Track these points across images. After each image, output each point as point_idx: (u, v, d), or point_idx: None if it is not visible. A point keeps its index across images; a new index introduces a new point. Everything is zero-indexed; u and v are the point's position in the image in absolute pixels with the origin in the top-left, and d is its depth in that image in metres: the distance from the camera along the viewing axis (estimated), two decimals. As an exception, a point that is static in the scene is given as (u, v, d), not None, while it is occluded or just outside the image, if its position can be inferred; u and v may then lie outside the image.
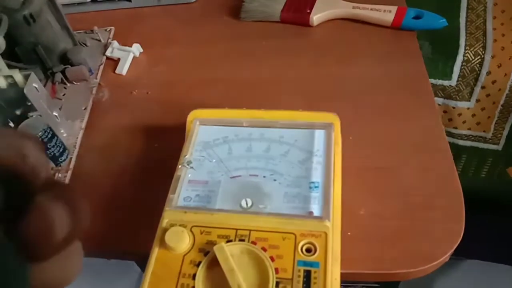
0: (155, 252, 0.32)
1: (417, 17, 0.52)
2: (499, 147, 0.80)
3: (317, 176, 0.35)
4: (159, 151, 0.45)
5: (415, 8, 0.53)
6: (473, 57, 0.74)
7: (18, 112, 0.46)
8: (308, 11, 0.55)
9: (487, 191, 0.83)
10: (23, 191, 0.16)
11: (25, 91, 0.40)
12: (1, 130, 0.17)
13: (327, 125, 0.38)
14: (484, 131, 0.79)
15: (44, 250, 0.16)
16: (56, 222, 0.16)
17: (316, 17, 0.55)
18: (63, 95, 0.52)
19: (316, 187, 0.34)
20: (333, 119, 0.38)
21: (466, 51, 0.73)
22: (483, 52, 0.73)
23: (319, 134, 0.38)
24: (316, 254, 0.30)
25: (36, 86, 0.42)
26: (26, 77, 0.43)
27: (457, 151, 0.81)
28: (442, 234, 0.37)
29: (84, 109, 0.50)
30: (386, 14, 0.53)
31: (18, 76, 0.41)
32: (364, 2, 0.55)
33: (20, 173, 0.16)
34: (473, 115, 0.78)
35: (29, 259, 0.16)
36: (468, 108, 0.77)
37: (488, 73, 0.73)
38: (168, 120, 0.48)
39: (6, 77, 0.41)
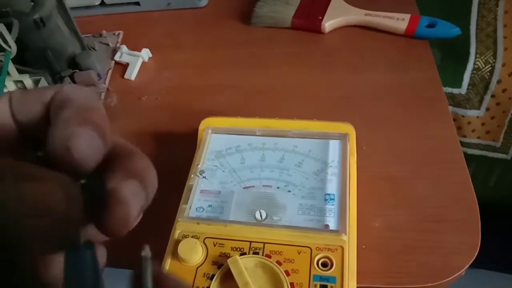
0: (168, 263, 0.31)
1: (430, 26, 0.52)
2: (508, 157, 0.79)
3: (332, 188, 0.34)
4: (168, 158, 0.45)
5: (429, 17, 0.52)
6: (483, 65, 0.73)
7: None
8: (320, 17, 0.55)
9: (496, 200, 0.82)
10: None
11: (35, 96, 0.39)
12: (61, 112, 0.17)
13: (342, 135, 0.37)
14: (493, 140, 0.78)
15: (123, 232, 0.17)
16: (133, 205, 0.17)
17: (328, 24, 0.54)
18: (72, 99, 0.51)
19: (331, 199, 0.34)
20: (349, 129, 0.38)
21: (477, 59, 0.73)
22: (494, 61, 0.72)
23: (334, 145, 0.37)
24: (332, 269, 0.30)
25: (46, 91, 0.42)
26: (36, 82, 0.42)
27: (465, 160, 0.80)
28: (458, 247, 0.36)
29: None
30: (399, 22, 0.52)
31: (28, 81, 0.41)
32: (377, 10, 0.54)
33: (65, 165, 0.16)
34: (483, 124, 0.77)
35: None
36: (477, 117, 0.76)
37: (499, 81, 0.72)
38: (177, 127, 0.47)
39: (16, 82, 0.41)
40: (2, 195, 0.13)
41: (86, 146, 0.16)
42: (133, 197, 0.17)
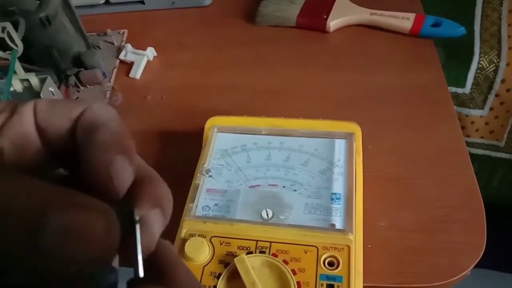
0: (174, 262, 0.31)
1: (435, 25, 0.52)
2: (511, 156, 0.79)
3: (338, 187, 0.34)
4: (174, 157, 0.45)
5: (434, 16, 0.52)
6: (487, 65, 0.73)
7: (32, 115, 0.46)
8: (325, 16, 0.54)
9: (499, 200, 0.82)
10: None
11: (41, 95, 0.40)
12: (98, 136, 0.17)
13: (348, 134, 0.37)
14: (497, 140, 0.78)
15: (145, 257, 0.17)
16: (157, 234, 0.17)
17: (332, 23, 0.54)
18: (76, 98, 0.51)
19: (338, 198, 0.34)
20: (354, 128, 0.38)
21: (481, 59, 0.73)
22: (498, 60, 0.72)
23: (340, 144, 0.37)
24: (339, 268, 0.30)
25: (52, 90, 0.42)
26: (42, 81, 0.42)
27: (469, 159, 0.80)
28: (463, 247, 0.36)
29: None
30: (404, 21, 0.52)
31: (34, 79, 0.41)
32: (382, 9, 0.54)
33: (104, 191, 0.16)
34: (486, 124, 0.77)
35: None
36: (481, 116, 0.76)
37: (503, 81, 0.72)
38: (182, 126, 0.47)
39: (22, 80, 0.41)
40: (48, 224, 0.13)
41: (123, 174, 0.16)
42: (157, 225, 0.17)
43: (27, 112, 0.17)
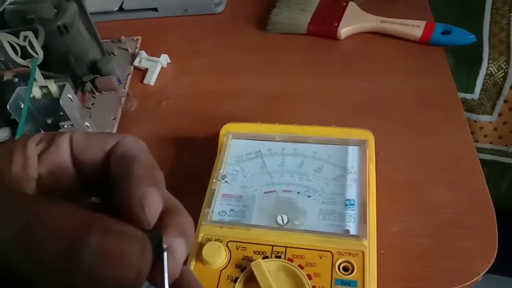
0: (192, 266, 0.32)
1: (445, 33, 0.52)
2: (520, 162, 0.79)
3: (352, 193, 0.35)
4: (188, 163, 0.46)
5: (444, 24, 0.53)
6: (496, 71, 0.73)
7: (49, 121, 0.47)
8: (336, 24, 0.55)
9: (507, 205, 0.82)
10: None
11: (61, 101, 0.41)
12: (133, 169, 0.18)
13: (361, 142, 0.38)
14: (505, 145, 0.78)
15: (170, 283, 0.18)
16: (182, 261, 0.18)
17: (343, 31, 0.55)
18: (92, 104, 0.52)
19: (351, 204, 0.34)
20: (367, 135, 0.38)
21: (490, 65, 0.73)
22: (507, 66, 0.73)
23: (353, 151, 0.38)
24: (354, 273, 0.31)
25: (71, 96, 0.43)
26: (60, 88, 0.43)
27: (477, 164, 0.80)
28: (475, 253, 0.36)
29: (114, 118, 0.50)
30: (415, 29, 0.53)
31: (53, 86, 0.42)
32: (392, 17, 0.55)
33: (137, 221, 0.17)
34: (495, 129, 0.77)
35: None
36: (490, 122, 0.77)
37: (512, 87, 0.73)
38: (196, 132, 0.48)
39: (42, 87, 0.42)
40: (87, 245, 0.14)
41: (154, 206, 0.18)
42: (182, 253, 0.18)
43: (63, 142, 0.19)
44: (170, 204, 0.20)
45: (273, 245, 0.33)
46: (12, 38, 0.43)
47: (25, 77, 0.43)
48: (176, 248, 0.18)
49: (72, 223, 0.15)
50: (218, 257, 0.32)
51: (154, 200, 0.18)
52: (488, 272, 0.36)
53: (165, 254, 0.17)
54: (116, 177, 0.18)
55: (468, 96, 0.75)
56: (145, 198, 0.17)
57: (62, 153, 0.19)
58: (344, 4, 0.58)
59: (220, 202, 0.36)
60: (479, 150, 0.80)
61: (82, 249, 0.14)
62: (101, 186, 0.19)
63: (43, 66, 0.49)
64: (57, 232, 0.14)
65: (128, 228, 0.16)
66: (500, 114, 0.76)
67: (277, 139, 0.40)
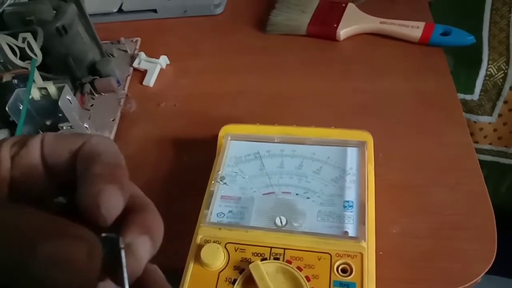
0: (190, 268, 0.32)
1: (445, 34, 0.52)
2: (520, 163, 0.79)
3: (351, 195, 0.35)
4: (187, 164, 0.46)
5: (443, 25, 0.52)
6: (496, 72, 0.73)
7: (48, 123, 0.47)
8: (335, 25, 0.55)
9: (507, 206, 0.82)
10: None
11: (59, 103, 0.41)
12: (92, 168, 0.18)
13: (360, 143, 0.38)
14: (505, 146, 0.78)
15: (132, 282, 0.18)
16: (144, 260, 0.18)
17: (343, 32, 0.55)
18: (91, 105, 0.52)
19: (350, 206, 0.34)
20: (366, 137, 0.38)
21: (489, 66, 0.73)
22: (506, 67, 0.73)
23: (352, 152, 0.38)
24: (352, 275, 0.30)
25: (70, 98, 0.43)
26: (59, 89, 0.43)
27: (477, 165, 0.80)
28: (474, 254, 0.36)
29: (113, 120, 0.50)
30: (414, 30, 0.53)
31: (52, 88, 0.42)
32: (391, 18, 0.55)
33: (92, 218, 0.17)
34: (495, 130, 0.77)
35: None
36: (489, 123, 0.76)
37: (511, 88, 0.73)
38: (195, 133, 0.48)
39: (41, 89, 0.42)
40: (36, 253, 0.14)
41: (112, 204, 0.17)
42: (145, 252, 0.18)
43: (35, 145, 0.19)
44: (136, 202, 0.19)
45: (271, 247, 0.32)
46: (11, 40, 0.43)
47: (24, 79, 0.43)
48: (136, 247, 0.18)
49: (25, 233, 0.15)
50: (216, 259, 0.32)
51: (111, 197, 0.17)
52: (488, 273, 0.36)
53: (122, 253, 0.17)
54: (78, 176, 0.19)
55: (468, 97, 0.75)
56: (100, 196, 0.17)
57: (33, 155, 0.19)
58: (343, 5, 0.58)
59: (218, 204, 0.36)
60: (479, 151, 0.79)
61: (32, 258, 0.14)
62: (72, 187, 0.19)
63: (42, 68, 0.49)
64: (11, 240, 0.15)
65: (77, 230, 0.16)
66: (500, 115, 0.76)
67: (276, 141, 0.40)
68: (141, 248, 0.18)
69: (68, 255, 0.15)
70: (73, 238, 0.15)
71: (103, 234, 0.17)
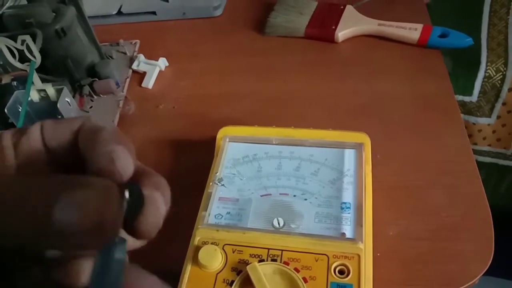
0: (188, 269, 0.32)
1: (443, 35, 0.52)
2: (519, 164, 0.79)
3: (348, 196, 0.35)
4: (185, 166, 0.46)
5: (441, 27, 0.53)
6: (494, 73, 0.73)
7: (47, 124, 0.47)
8: (333, 27, 0.55)
9: (506, 207, 0.82)
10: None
11: (58, 105, 0.41)
12: (99, 136, 0.19)
13: (357, 145, 0.38)
14: (504, 148, 0.78)
15: (154, 234, 0.19)
16: (163, 210, 0.19)
17: (341, 34, 0.55)
18: (90, 107, 0.53)
19: (347, 207, 0.34)
20: (364, 138, 0.38)
21: (488, 67, 0.73)
22: (505, 69, 0.73)
23: (350, 154, 0.38)
24: (349, 276, 0.31)
25: (68, 100, 0.43)
26: (58, 91, 0.43)
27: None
28: (472, 255, 0.36)
29: (112, 122, 0.50)
30: (412, 32, 0.53)
31: (51, 90, 0.42)
32: (390, 20, 0.55)
33: (109, 175, 0.18)
34: (494, 132, 0.77)
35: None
36: (488, 124, 0.77)
37: (510, 89, 0.73)
38: (194, 135, 0.48)
39: (39, 91, 0.42)
40: (57, 202, 0.15)
41: (125, 159, 0.18)
42: (162, 206, 0.19)
43: (35, 131, 0.20)
44: (143, 168, 0.20)
45: (269, 248, 0.33)
46: (10, 42, 0.43)
47: (23, 81, 0.44)
48: (156, 199, 0.19)
49: (44, 190, 0.16)
50: (214, 260, 0.32)
51: (123, 155, 0.18)
52: (486, 274, 0.36)
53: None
54: (84, 149, 0.19)
55: (467, 98, 0.75)
56: (114, 152, 0.18)
57: (34, 140, 0.20)
58: (342, 7, 0.58)
59: (216, 205, 0.36)
60: (478, 152, 0.80)
61: (54, 208, 0.15)
62: (74, 168, 0.20)
63: (41, 70, 0.49)
64: (30, 202, 0.16)
65: (93, 180, 0.17)
66: (498, 117, 0.76)
67: (273, 142, 0.40)
68: (159, 200, 0.19)
69: (85, 199, 0.16)
70: (89, 183, 0.16)
71: (124, 183, 0.18)
